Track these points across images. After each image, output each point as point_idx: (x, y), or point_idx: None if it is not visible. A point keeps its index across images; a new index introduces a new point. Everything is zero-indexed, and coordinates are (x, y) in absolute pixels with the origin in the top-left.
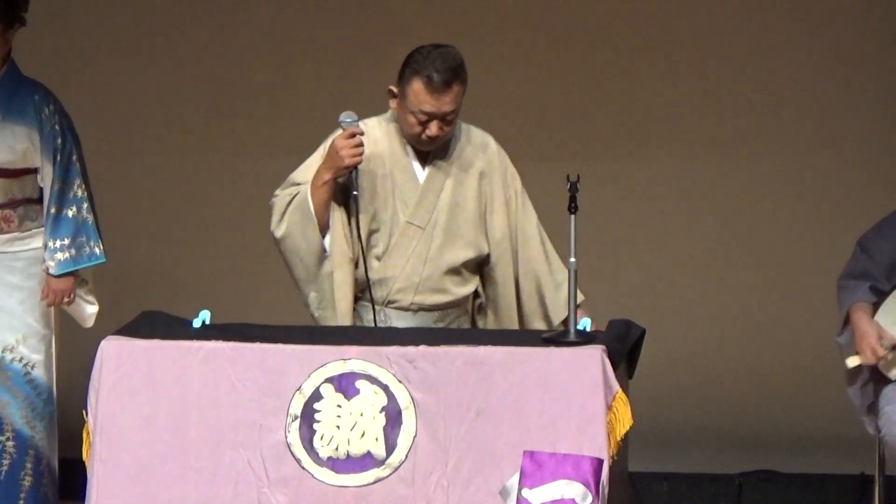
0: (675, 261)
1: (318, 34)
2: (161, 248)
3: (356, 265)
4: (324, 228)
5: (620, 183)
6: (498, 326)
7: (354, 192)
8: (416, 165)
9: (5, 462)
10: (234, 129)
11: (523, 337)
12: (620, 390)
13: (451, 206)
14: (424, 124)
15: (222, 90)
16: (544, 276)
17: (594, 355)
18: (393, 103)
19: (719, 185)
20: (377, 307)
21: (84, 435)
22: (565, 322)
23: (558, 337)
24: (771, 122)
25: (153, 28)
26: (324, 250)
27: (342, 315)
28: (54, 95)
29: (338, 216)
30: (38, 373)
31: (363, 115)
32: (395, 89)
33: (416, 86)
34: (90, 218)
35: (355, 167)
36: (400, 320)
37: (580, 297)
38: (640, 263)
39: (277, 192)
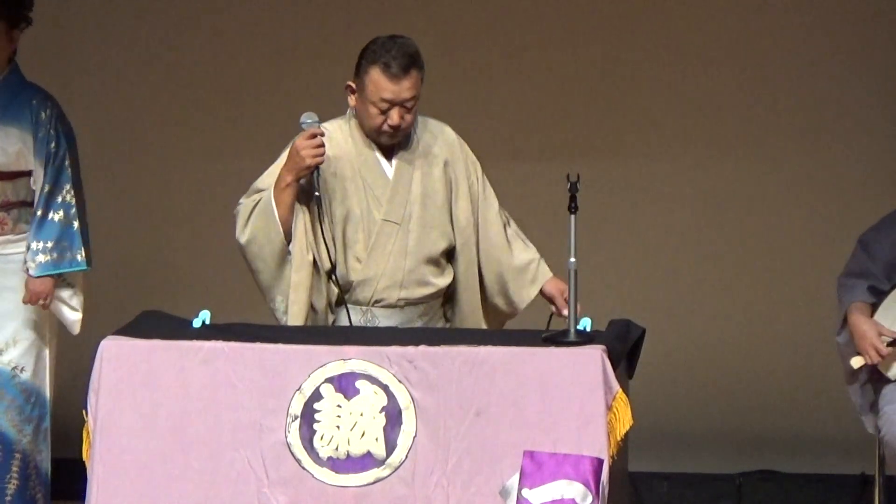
0: (675, 260)
1: (317, 35)
2: (161, 248)
3: (334, 267)
4: (287, 232)
5: (620, 183)
6: (461, 314)
7: (317, 194)
8: (383, 162)
9: None
10: (235, 129)
11: (523, 337)
12: (620, 390)
13: (423, 197)
14: (385, 113)
15: (223, 91)
16: (505, 260)
17: (594, 355)
18: (352, 99)
19: (719, 185)
20: (363, 308)
21: (84, 435)
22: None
23: (558, 337)
24: (771, 123)
25: (153, 29)
26: (287, 254)
27: (293, 317)
28: (54, 100)
29: (301, 219)
30: (27, 376)
31: None
32: (352, 84)
33: (374, 74)
34: (76, 224)
35: (317, 168)
36: (387, 318)
37: (547, 275)
38: (640, 263)
39: (242, 199)
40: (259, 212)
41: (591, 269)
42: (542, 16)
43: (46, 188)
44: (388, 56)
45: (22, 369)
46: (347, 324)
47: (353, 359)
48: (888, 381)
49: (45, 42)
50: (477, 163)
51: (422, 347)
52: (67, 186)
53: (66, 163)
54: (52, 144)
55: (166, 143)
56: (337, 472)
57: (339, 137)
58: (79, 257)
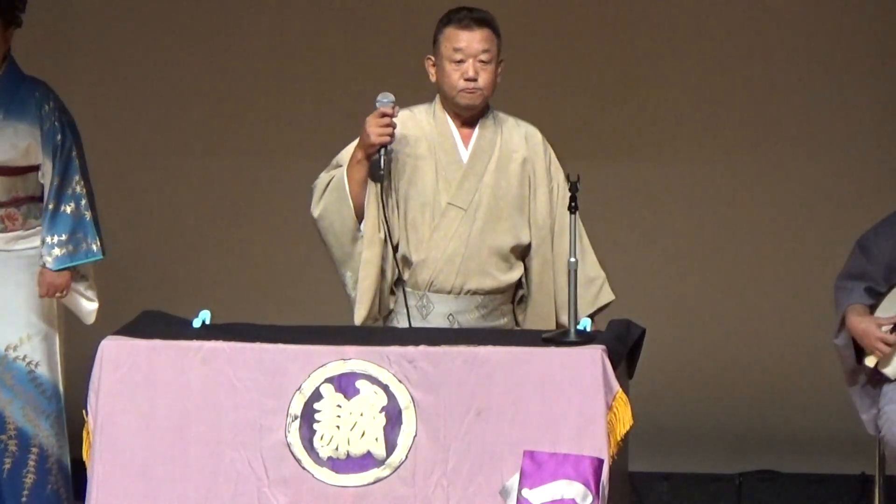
0: (675, 261)
1: (318, 35)
2: (161, 247)
3: (396, 248)
4: (359, 208)
5: (620, 183)
6: (533, 316)
7: (381, 172)
8: (461, 147)
9: (7, 461)
10: (235, 129)
11: (523, 337)
12: (620, 390)
13: (494, 188)
14: (460, 65)
15: (223, 90)
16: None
17: (594, 355)
18: (432, 74)
19: (719, 186)
20: (420, 292)
21: (84, 435)
22: (592, 318)
23: (558, 337)
24: (771, 123)
25: (154, 28)
26: (358, 230)
27: (363, 292)
28: (54, 92)
29: (373, 196)
30: (42, 371)
31: (366, 113)
32: (431, 57)
33: (447, 30)
34: (88, 214)
35: (384, 147)
36: (442, 304)
37: (609, 298)
38: (640, 263)
39: (321, 174)
40: (332, 187)
41: None
42: (542, 16)
43: (56, 181)
44: (459, 13)
45: (37, 364)
46: (404, 306)
47: (353, 359)
48: (888, 381)
49: (45, 41)
50: (561, 170)
51: (422, 347)
52: (77, 178)
53: (73, 154)
54: (59, 136)
55: (166, 143)
56: (337, 472)
57: (422, 118)
58: (94, 247)
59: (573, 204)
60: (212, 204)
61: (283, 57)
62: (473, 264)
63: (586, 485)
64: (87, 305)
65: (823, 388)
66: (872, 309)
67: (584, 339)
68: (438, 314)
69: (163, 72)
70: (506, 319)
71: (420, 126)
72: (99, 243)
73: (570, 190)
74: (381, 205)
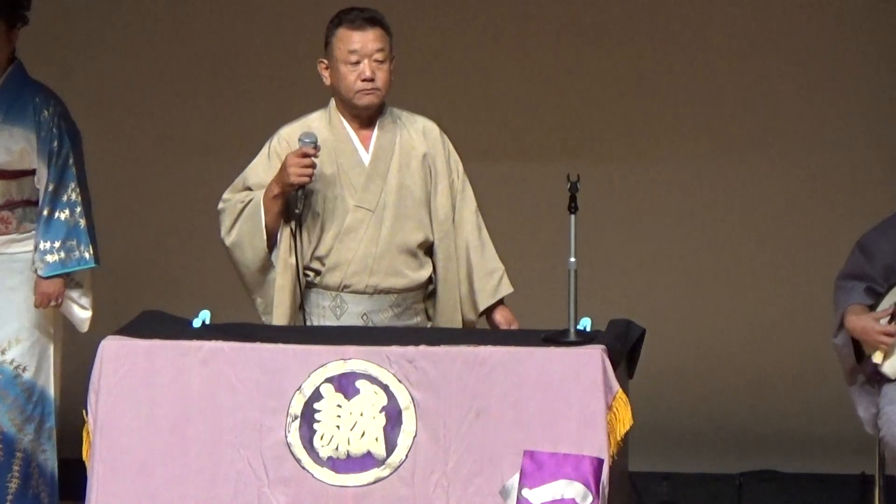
0: (674, 261)
1: (318, 35)
2: (161, 248)
3: (307, 256)
4: (271, 238)
5: (620, 183)
6: (442, 310)
7: (297, 211)
8: (361, 150)
9: None
10: (235, 129)
11: (523, 337)
12: (620, 390)
13: (399, 187)
14: (356, 66)
15: (223, 90)
16: (476, 262)
17: (594, 355)
18: (326, 77)
19: (719, 186)
20: (333, 293)
21: (84, 435)
22: (491, 310)
23: (558, 337)
24: (771, 123)
25: (154, 28)
26: (269, 260)
27: (278, 318)
28: (58, 99)
29: (287, 230)
30: (30, 376)
31: None
32: (324, 60)
33: (339, 32)
34: (83, 222)
35: (301, 187)
36: (356, 304)
37: (508, 290)
38: (639, 263)
39: (227, 195)
40: (246, 217)
41: (591, 269)
42: (542, 16)
43: (51, 187)
44: (349, 14)
45: (24, 368)
46: (318, 307)
47: (353, 359)
48: (888, 380)
49: (44, 41)
50: (459, 161)
51: (422, 347)
52: (72, 185)
53: (70, 161)
54: (55, 143)
55: (166, 143)
56: (337, 472)
57: (319, 125)
58: (87, 255)
59: (573, 204)
60: (212, 204)
61: (283, 57)
62: (385, 264)
63: (586, 485)
64: (81, 313)
65: (823, 388)
66: (872, 309)
67: (584, 339)
68: (352, 314)
69: (163, 72)
70: (419, 318)
71: (318, 132)
72: (92, 251)
73: (569, 190)
74: (293, 235)
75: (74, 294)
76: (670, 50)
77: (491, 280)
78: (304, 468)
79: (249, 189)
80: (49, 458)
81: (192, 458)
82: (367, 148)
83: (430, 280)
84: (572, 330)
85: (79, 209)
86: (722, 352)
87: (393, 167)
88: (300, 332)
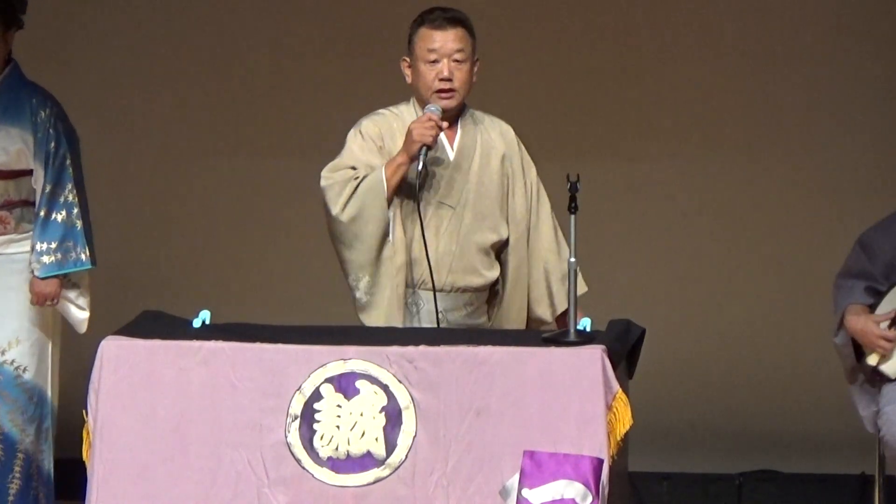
0: (674, 261)
1: (318, 35)
2: (161, 248)
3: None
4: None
5: (620, 183)
6: (507, 312)
7: (419, 169)
8: (447, 147)
9: None
10: (235, 129)
11: (523, 337)
12: (620, 390)
13: (478, 186)
14: (435, 65)
15: (223, 91)
16: (553, 263)
17: (594, 355)
18: (408, 75)
19: (719, 185)
20: (410, 290)
21: (84, 435)
22: (565, 313)
23: (558, 337)
24: (771, 123)
25: (154, 29)
26: (388, 235)
27: (398, 298)
28: (55, 100)
29: (396, 201)
30: (30, 376)
31: (364, 112)
32: (406, 59)
33: (421, 31)
34: (80, 224)
35: (426, 146)
36: (430, 302)
37: (583, 289)
38: (640, 263)
39: (328, 173)
40: (366, 190)
41: (591, 269)
42: (542, 16)
43: (48, 188)
44: (433, 14)
45: (25, 369)
46: (409, 301)
47: (352, 359)
48: (888, 380)
49: (43, 42)
50: (532, 164)
51: (422, 347)
52: (69, 186)
53: (67, 162)
54: (52, 144)
55: (166, 143)
56: (337, 472)
57: (407, 118)
58: (83, 257)
59: (573, 204)
60: (212, 204)
61: (284, 58)
62: (463, 262)
63: (586, 485)
64: (78, 314)
65: (823, 388)
66: (872, 308)
67: (584, 339)
68: (428, 312)
69: (163, 74)
70: (484, 318)
71: (406, 125)
72: (88, 253)
73: (569, 190)
74: (413, 206)
75: (72, 295)
76: (670, 50)
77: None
78: (303, 468)
79: (353, 168)
80: (46, 459)
81: (192, 458)
82: (451, 145)
83: (494, 282)
84: (572, 330)
85: (76, 210)
86: (722, 352)
87: (475, 166)
88: (300, 332)
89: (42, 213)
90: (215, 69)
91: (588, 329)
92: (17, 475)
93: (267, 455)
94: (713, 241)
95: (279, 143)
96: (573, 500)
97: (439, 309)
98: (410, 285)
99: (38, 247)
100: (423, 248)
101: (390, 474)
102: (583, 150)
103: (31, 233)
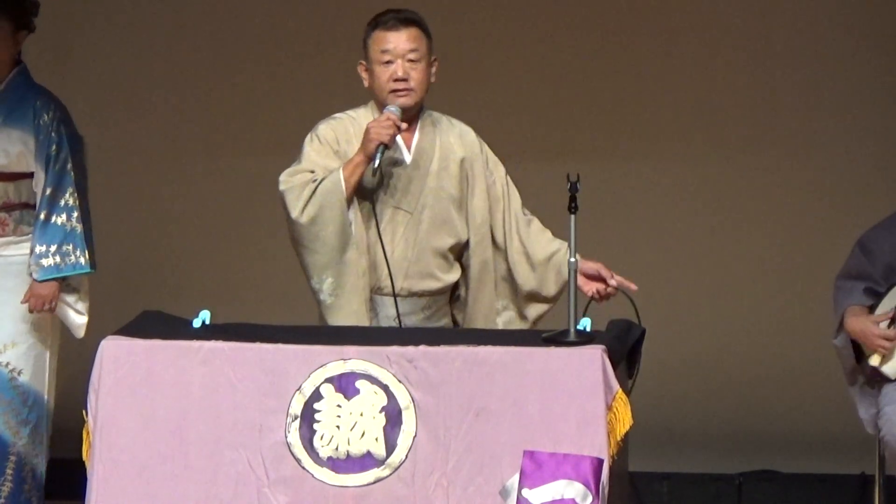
0: (675, 261)
1: (317, 34)
2: (161, 248)
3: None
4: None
5: (620, 183)
6: (473, 314)
7: (375, 168)
8: (404, 149)
9: None
10: (235, 129)
11: (523, 337)
12: (620, 390)
13: (437, 190)
14: (389, 66)
15: (223, 90)
16: (538, 251)
17: (594, 355)
18: (365, 78)
19: (719, 186)
20: (372, 294)
21: (84, 435)
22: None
23: (558, 337)
24: (771, 123)
25: (154, 28)
26: (350, 236)
27: (364, 302)
28: (60, 104)
29: (356, 204)
30: (26, 379)
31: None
32: (363, 62)
33: (375, 34)
34: (79, 227)
35: (383, 145)
36: (389, 307)
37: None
38: (640, 263)
39: (286, 177)
40: (325, 191)
41: None
42: (541, 15)
43: (48, 191)
44: (385, 16)
45: (20, 371)
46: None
47: (352, 359)
48: (888, 381)
49: (43, 42)
50: (499, 164)
51: (422, 347)
52: (70, 190)
53: (69, 166)
54: (53, 147)
55: (166, 143)
56: (337, 472)
57: (363, 122)
58: (82, 260)
59: (573, 204)
60: (212, 204)
61: (284, 58)
62: (419, 267)
63: (586, 485)
64: (77, 319)
65: (823, 388)
66: (872, 309)
67: (584, 339)
68: (386, 317)
69: (163, 74)
70: (446, 320)
71: (362, 129)
72: (88, 256)
73: (569, 190)
74: (368, 208)
75: (71, 299)
76: (670, 50)
77: (551, 265)
78: (303, 468)
79: (311, 172)
80: (40, 463)
81: (192, 458)
82: (409, 148)
83: (456, 284)
84: (572, 330)
85: (76, 214)
86: (722, 352)
87: (433, 169)
88: (300, 332)
89: (42, 216)
90: (215, 69)
91: (588, 329)
92: (10, 477)
93: (267, 455)
94: (713, 241)
95: (279, 144)
96: (573, 500)
97: (396, 314)
98: (375, 290)
99: (37, 249)
100: (382, 253)
101: (390, 474)
102: (583, 150)
103: (29, 235)
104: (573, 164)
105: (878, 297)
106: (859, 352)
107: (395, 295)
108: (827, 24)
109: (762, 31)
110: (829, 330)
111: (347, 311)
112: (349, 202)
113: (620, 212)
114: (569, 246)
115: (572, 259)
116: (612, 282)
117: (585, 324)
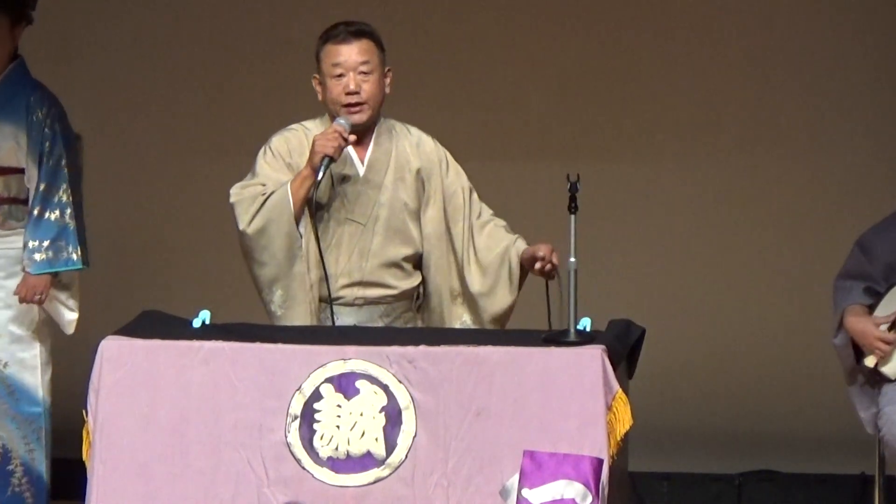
0: (674, 261)
1: (315, 34)
2: (161, 247)
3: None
4: (297, 224)
5: (620, 183)
6: (432, 321)
7: (318, 179)
8: (356, 161)
9: None
10: (234, 128)
11: (523, 337)
12: (620, 390)
13: (392, 201)
14: (341, 79)
15: (221, 89)
16: (479, 246)
17: (594, 355)
18: (319, 91)
19: (719, 186)
20: (323, 304)
21: (84, 435)
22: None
23: (558, 337)
24: (771, 123)
25: (154, 28)
26: (299, 249)
27: (312, 314)
28: (55, 100)
29: (306, 216)
30: (13, 371)
31: None
32: (316, 76)
33: (326, 47)
34: (73, 224)
35: (328, 159)
36: (347, 316)
37: (522, 247)
38: (640, 263)
39: (237, 189)
40: (273, 205)
41: (591, 269)
42: (541, 15)
43: (42, 187)
44: (336, 29)
45: (6, 364)
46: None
47: (352, 359)
48: (888, 380)
49: (41, 41)
50: (462, 173)
51: (422, 347)
52: (64, 186)
53: (63, 163)
54: (47, 144)
55: (165, 142)
56: (337, 472)
57: (315, 134)
58: (74, 256)
59: (573, 204)
60: (212, 203)
61: (283, 57)
62: (374, 276)
63: (586, 485)
64: (67, 315)
65: (823, 388)
66: (871, 309)
67: (584, 339)
68: (344, 325)
69: (164, 72)
70: (410, 325)
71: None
72: (80, 253)
73: (569, 190)
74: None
75: (62, 296)
76: (670, 49)
77: (504, 266)
78: (303, 468)
79: (262, 185)
80: (37, 459)
81: (192, 458)
82: (362, 160)
83: (418, 288)
84: (572, 330)
85: (69, 211)
86: (722, 352)
87: (387, 181)
88: (300, 332)
89: (35, 212)
90: (215, 69)
91: (588, 329)
92: None
93: (267, 455)
94: (713, 241)
95: None
96: (573, 500)
97: (355, 322)
98: (324, 300)
99: (30, 244)
100: (332, 266)
101: (390, 474)
102: (583, 150)
103: (16, 230)
104: (573, 164)
105: (877, 296)
106: (859, 351)
107: (330, 303)
108: (827, 24)
109: (762, 31)
110: (829, 330)
111: (299, 324)
112: (299, 215)
113: (620, 212)
114: (569, 246)
115: (572, 259)
116: (539, 254)
117: (585, 324)
